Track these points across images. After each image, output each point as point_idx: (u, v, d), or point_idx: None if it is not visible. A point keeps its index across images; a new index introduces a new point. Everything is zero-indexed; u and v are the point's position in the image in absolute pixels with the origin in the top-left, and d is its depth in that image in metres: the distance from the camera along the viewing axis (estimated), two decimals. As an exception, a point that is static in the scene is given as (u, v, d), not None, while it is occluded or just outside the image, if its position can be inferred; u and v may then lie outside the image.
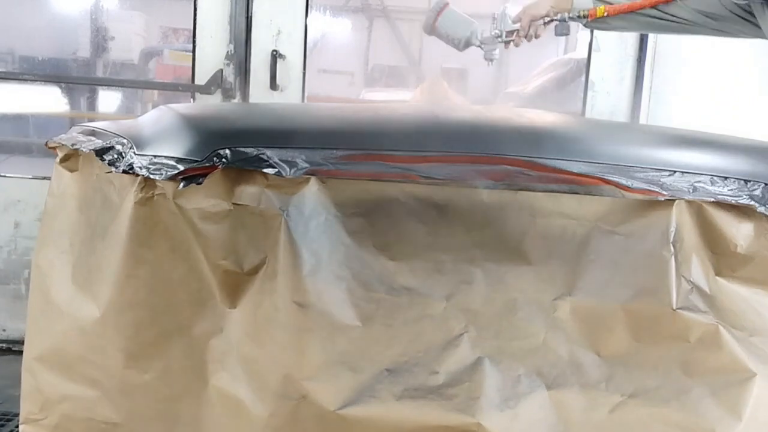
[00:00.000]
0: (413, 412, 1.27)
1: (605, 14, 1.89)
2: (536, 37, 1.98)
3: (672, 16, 1.85)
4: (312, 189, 1.28)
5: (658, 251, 1.28)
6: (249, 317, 1.32)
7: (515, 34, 1.98)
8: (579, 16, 1.91)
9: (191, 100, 3.04)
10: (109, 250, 1.35)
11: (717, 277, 1.30)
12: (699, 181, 1.28)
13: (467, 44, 2.04)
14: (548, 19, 1.94)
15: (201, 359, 1.34)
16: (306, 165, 1.26)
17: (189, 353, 1.34)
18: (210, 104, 2.80)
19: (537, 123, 1.48)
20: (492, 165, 1.28)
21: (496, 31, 2.00)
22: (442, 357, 1.29)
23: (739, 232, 1.29)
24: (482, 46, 2.03)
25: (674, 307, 1.28)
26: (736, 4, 1.73)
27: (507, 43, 2.00)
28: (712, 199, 1.27)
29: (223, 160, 1.25)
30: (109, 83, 6.48)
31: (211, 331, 1.34)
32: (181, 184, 1.25)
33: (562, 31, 1.96)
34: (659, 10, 1.85)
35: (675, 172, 1.29)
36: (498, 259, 1.30)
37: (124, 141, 1.35)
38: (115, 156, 1.32)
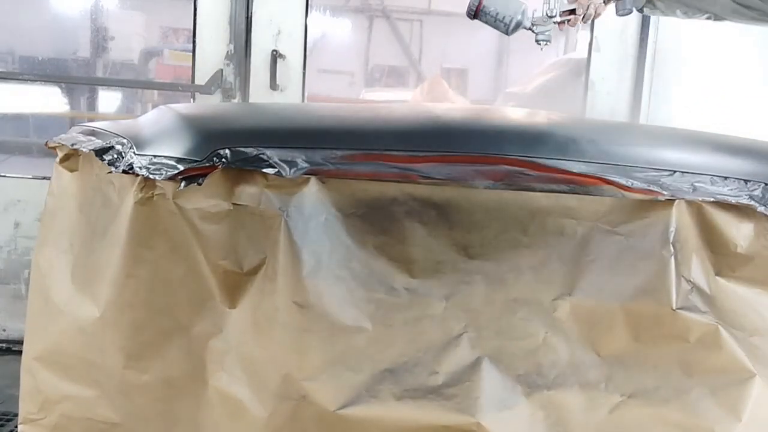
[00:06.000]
0: (413, 412, 1.27)
1: None
2: (596, 16, 1.83)
3: None
4: (312, 189, 1.28)
5: (658, 251, 1.28)
6: (249, 317, 1.32)
7: (571, 13, 1.82)
8: None
9: (191, 100, 3.04)
10: (109, 249, 1.35)
11: (717, 277, 1.30)
12: (699, 181, 1.28)
13: (517, 27, 1.82)
14: None
15: (200, 359, 1.34)
16: (306, 165, 1.26)
17: (188, 353, 1.34)
18: (210, 104, 2.80)
19: (537, 123, 1.48)
20: (492, 165, 1.28)
21: (550, 11, 1.82)
22: (442, 357, 1.29)
23: (739, 232, 1.29)
24: (534, 27, 1.83)
25: (674, 307, 1.27)
26: None
27: (561, 23, 1.84)
28: (712, 199, 1.27)
29: (223, 160, 1.25)
30: (109, 83, 6.50)
31: (211, 331, 1.33)
32: (181, 184, 1.25)
33: (624, 8, 1.83)
34: None
35: (675, 172, 1.28)
36: (498, 259, 1.30)
37: (124, 141, 1.35)
38: (115, 156, 1.32)
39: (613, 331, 1.30)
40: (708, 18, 1.85)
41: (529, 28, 1.84)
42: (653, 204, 1.28)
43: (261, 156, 1.26)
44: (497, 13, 1.81)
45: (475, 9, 1.82)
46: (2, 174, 3.09)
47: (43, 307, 1.47)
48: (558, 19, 1.83)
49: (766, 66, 2.97)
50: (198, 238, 1.30)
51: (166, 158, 1.28)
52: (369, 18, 8.47)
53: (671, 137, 1.55)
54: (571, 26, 1.85)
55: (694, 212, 1.28)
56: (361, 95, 7.14)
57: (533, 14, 1.84)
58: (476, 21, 1.87)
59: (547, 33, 1.84)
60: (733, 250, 1.29)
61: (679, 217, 1.28)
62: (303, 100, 2.99)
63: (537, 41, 1.86)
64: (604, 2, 1.82)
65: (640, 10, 1.89)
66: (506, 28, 1.83)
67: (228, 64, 2.92)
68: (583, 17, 1.82)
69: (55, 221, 1.51)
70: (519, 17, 1.81)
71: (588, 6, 1.81)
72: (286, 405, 1.29)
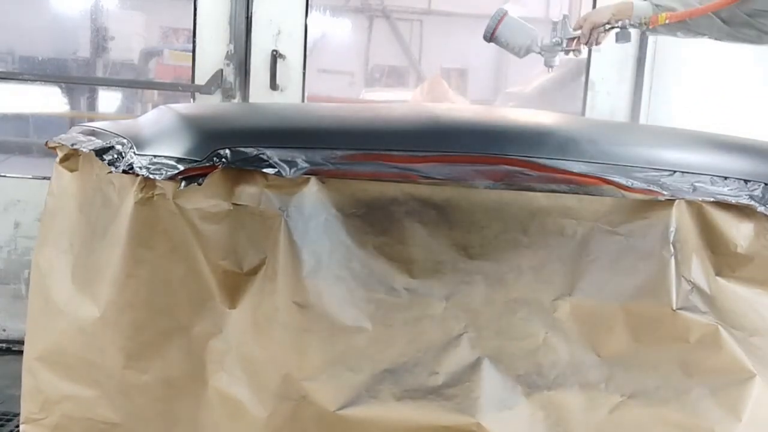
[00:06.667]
0: (413, 413, 1.27)
1: (666, 21, 1.90)
2: (597, 43, 2.02)
3: (722, 22, 1.87)
4: (312, 189, 1.28)
5: (658, 251, 1.28)
6: (249, 317, 1.32)
7: (576, 41, 2.02)
8: (640, 23, 1.94)
9: (191, 100, 3.04)
10: (109, 250, 1.35)
11: (717, 278, 1.30)
12: (699, 181, 1.28)
13: (527, 51, 2.04)
14: (609, 26, 1.98)
15: (200, 359, 1.34)
16: (306, 165, 1.26)
17: (188, 353, 1.34)
18: (210, 104, 2.80)
19: (537, 123, 1.48)
20: (492, 165, 1.28)
21: (557, 39, 2.02)
22: (442, 357, 1.29)
23: (739, 232, 1.29)
24: (542, 53, 2.05)
25: (674, 308, 1.27)
26: None
27: (567, 50, 2.04)
28: (712, 199, 1.27)
29: (223, 160, 1.25)
30: (109, 83, 6.49)
31: (211, 331, 1.33)
32: (181, 184, 1.25)
33: (623, 38, 1.99)
34: (715, 16, 1.87)
35: (675, 172, 1.29)
36: (498, 259, 1.30)
37: (124, 141, 1.35)
38: (115, 156, 1.32)
39: (613, 331, 1.30)
40: (708, 38, 1.97)
41: (539, 53, 2.04)
42: (653, 204, 1.28)
43: (261, 156, 1.26)
44: (508, 42, 2.04)
45: (490, 35, 2.04)
46: (2, 174, 3.09)
47: (44, 307, 1.47)
48: (564, 46, 2.02)
49: (765, 66, 2.97)
50: (198, 238, 1.30)
51: (166, 158, 1.28)
52: (369, 18, 8.46)
53: (671, 137, 1.55)
54: (576, 54, 2.05)
55: (694, 212, 1.28)
56: (361, 95, 7.14)
57: (542, 41, 2.03)
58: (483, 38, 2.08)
59: (554, 59, 2.05)
60: (733, 250, 1.29)
61: (679, 217, 1.28)
62: (303, 100, 2.99)
63: (545, 65, 2.07)
64: (605, 30, 1.99)
65: (643, 33, 2.04)
66: (517, 53, 2.06)
67: (228, 64, 2.92)
68: (586, 43, 2.01)
69: (55, 221, 1.51)
70: (528, 43, 2.03)
71: (590, 34, 1.98)
72: (286, 405, 1.29)
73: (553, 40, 2.02)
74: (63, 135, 1.54)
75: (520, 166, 1.27)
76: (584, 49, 2.04)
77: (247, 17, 2.91)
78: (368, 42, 8.51)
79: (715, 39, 1.96)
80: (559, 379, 1.30)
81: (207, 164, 1.25)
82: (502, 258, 1.30)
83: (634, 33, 2.07)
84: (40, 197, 1.62)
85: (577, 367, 1.30)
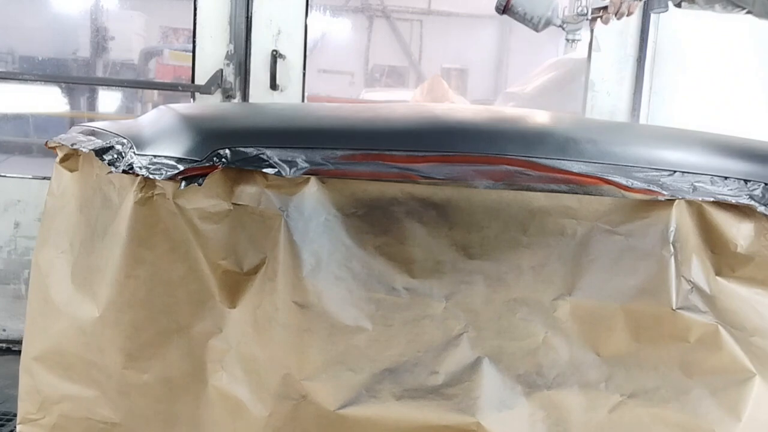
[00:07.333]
0: (413, 412, 1.27)
1: None
2: (628, 14, 1.77)
3: None
4: (312, 189, 1.28)
5: (658, 251, 1.28)
6: (248, 317, 1.32)
7: (603, 11, 1.77)
8: None
9: (191, 100, 3.04)
10: (109, 250, 1.35)
11: (717, 277, 1.30)
12: (699, 181, 1.28)
13: (547, 24, 1.79)
14: None
15: (200, 359, 1.34)
16: (306, 165, 1.26)
17: (188, 353, 1.34)
18: (210, 104, 2.80)
19: (537, 123, 1.48)
20: (492, 165, 1.28)
21: (582, 8, 1.77)
22: (442, 357, 1.29)
23: (739, 232, 1.29)
24: (564, 25, 1.79)
25: (674, 307, 1.27)
26: None
27: (593, 20, 1.79)
28: (712, 199, 1.27)
29: (223, 160, 1.25)
30: (109, 83, 6.50)
31: (211, 331, 1.34)
32: (181, 184, 1.25)
33: (659, 5, 1.79)
34: None
35: (675, 172, 1.29)
36: (498, 259, 1.30)
37: (124, 141, 1.35)
38: (115, 156, 1.32)
39: (613, 331, 1.30)
40: (748, 13, 1.82)
41: (560, 26, 1.81)
42: (653, 204, 1.28)
43: (261, 156, 1.26)
44: (525, 13, 1.79)
45: (503, 6, 1.79)
46: (2, 174, 3.09)
47: (43, 307, 1.47)
48: (590, 16, 1.79)
49: (765, 66, 2.97)
50: (198, 238, 1.30)
51: (166, 158, 1.28)
52: (369, 18, 8.47)
53: (671, 137, 1.55)
54: (604, 24, 1.81)
55: (694, 212, 1.28)
56: (361, 95, 7.15)
57: (564, 12, 1.80)
58: (489, 16, 1.89)
59: (578, 32, 1.81)
60: (733, 250, 1.29)
61: (679, 217, 1.28)
62: (303, 100, 2.99)
63: (567, 39, 1.84)
64: None
65: (678, 5, 1.84)
66: (535, 26, 1.81)
67: (228, 64, 2.92)
68: (616, 13, 1.77)
69: (55, 221, 1.51)
70: (548, 14, 1.78)
71: (621, 3, 1.76)
72: (286, 405, 1.29)
73: (578, 10, 1.77)
74: (63, 135, 1.54)
75: (520, 166, 1.27)
76: (612, 20, 1.78)
77: (247, 17, 2.91)
78: (368, 42, 8.52)
79: (756, 16, 1.81)
80: (559, 378, 1.30)
81: (207, 164, 1.25)
82: (502, 258, 1.30)
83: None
84: (40, 197, 1.62)
85: (577, 367, 1.30)
